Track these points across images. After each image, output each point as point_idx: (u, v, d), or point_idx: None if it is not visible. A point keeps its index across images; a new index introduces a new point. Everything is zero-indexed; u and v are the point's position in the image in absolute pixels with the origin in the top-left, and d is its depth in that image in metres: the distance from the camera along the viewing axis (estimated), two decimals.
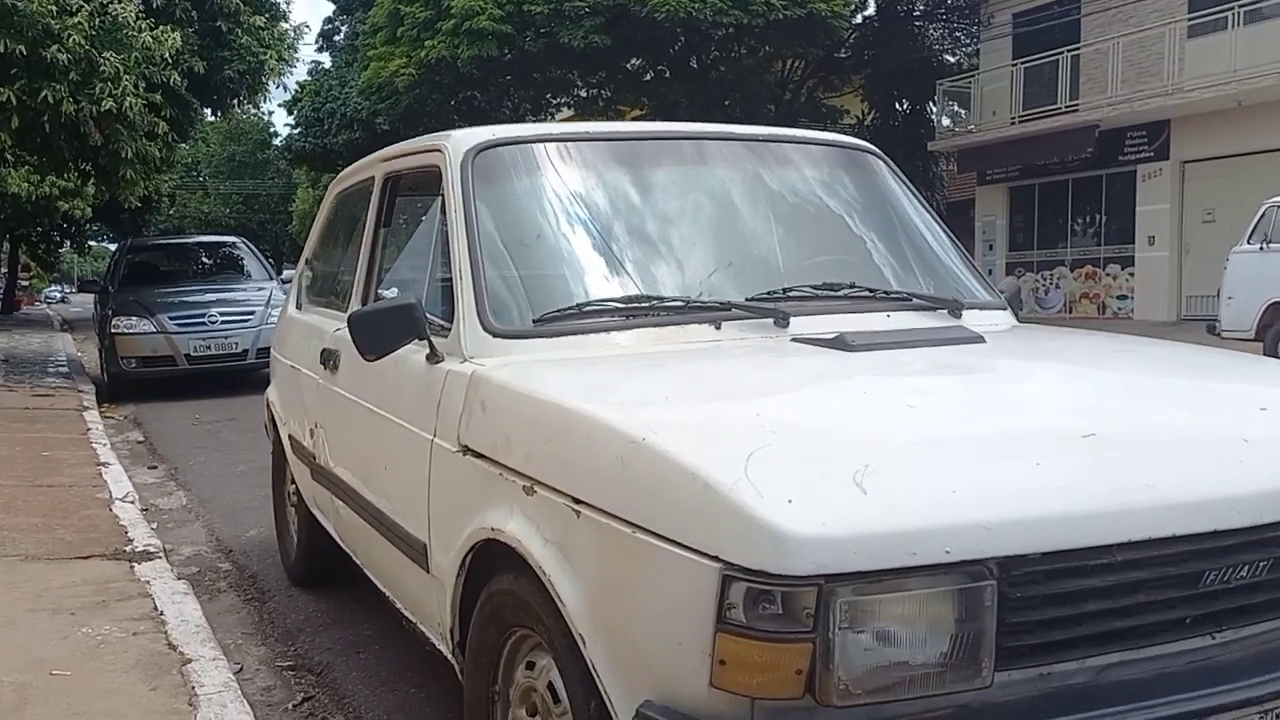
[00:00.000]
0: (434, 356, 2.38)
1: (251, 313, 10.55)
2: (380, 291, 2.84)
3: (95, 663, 2.79)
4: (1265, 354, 11.98)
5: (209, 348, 10.28)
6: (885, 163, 3.10)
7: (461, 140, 2.67)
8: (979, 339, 2.26)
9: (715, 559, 1.45)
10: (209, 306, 10.49)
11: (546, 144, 2.72)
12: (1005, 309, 2.82)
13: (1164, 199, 18.94)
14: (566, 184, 2.66)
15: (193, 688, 2.60)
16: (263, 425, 4.54)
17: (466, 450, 2.15)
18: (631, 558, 1.60)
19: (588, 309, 2.37)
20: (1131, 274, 19.76)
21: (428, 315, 2.43)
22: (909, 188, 3.07)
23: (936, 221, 3.01)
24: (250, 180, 53.55)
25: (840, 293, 2.58)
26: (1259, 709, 1.58)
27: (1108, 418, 1.73)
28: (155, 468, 6.82)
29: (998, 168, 22.03)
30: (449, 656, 2.32)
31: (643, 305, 2.39)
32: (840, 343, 2.16)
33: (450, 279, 2.48)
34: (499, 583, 2.02)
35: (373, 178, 3.32)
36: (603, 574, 1.67)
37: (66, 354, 14.76)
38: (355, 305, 3.16)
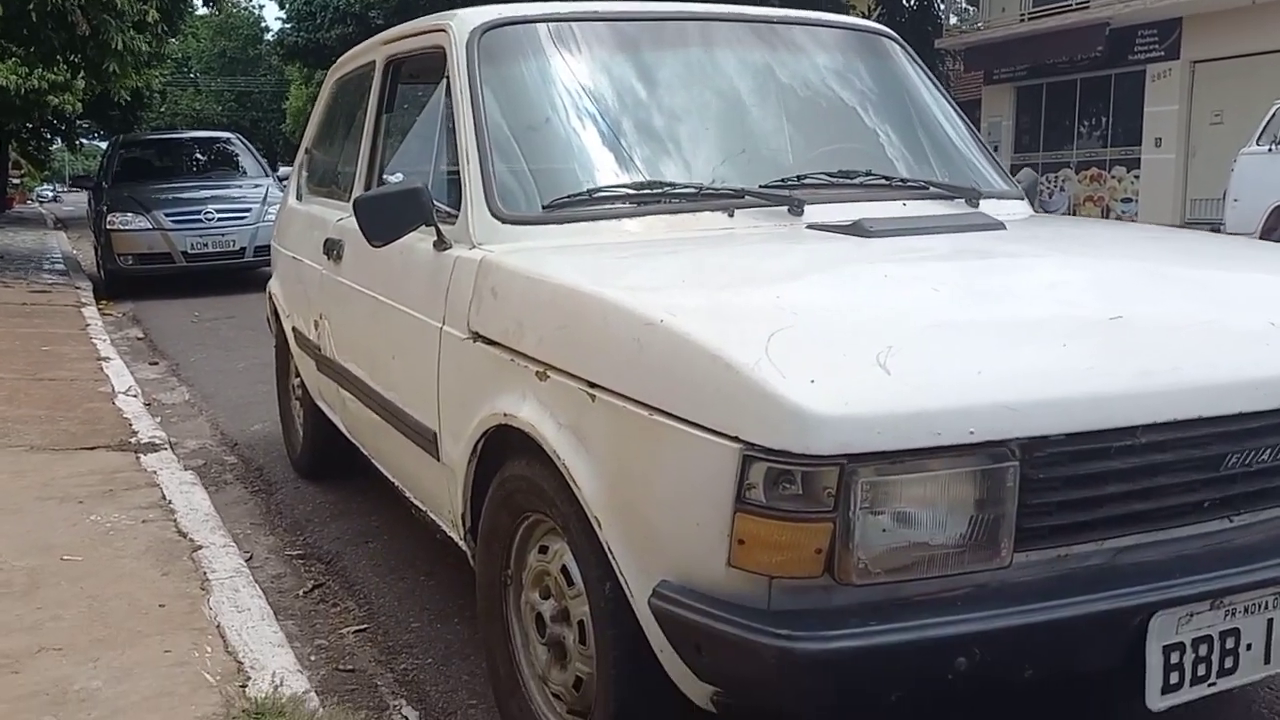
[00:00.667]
0: (441, 243, 2.34)
1: (248, 210, 10.42)
2: (385, 177, 2.77)
3: (105, 549, 2.80)
4: None
5: (206, 245, 10.18)
6: (901, 47, 3.01)
7: (467, 20, 2.58)
8: (999, 225, 2.22)
9: (735, 439, 1.43)
10: (205, 203, 10.36)
11: (556, 24, 2.62)
12: (1022, 199, 2.77)
13: (1173, 100, 18.64)
14: (576, 67, 2.58)
15: (204, 573, 2.61)
16: (264, 321, 4.51)
17: (476, 337, 2.12)
18: (649, 440, 1.58)
19: (599, 195, 2.32)
20: (1137, 177, 19.55)
21: (434, 201, 2.38)
22: (926, 73, 2.99)
23: (954, 108, 2.94)
24: (242, 77, 52.61)
25: (856, 180, 2.52)
26: (1274, 590, 1.59)
27: (1134, 302, 1.70)
28: (156, 364, 6.81)
29: (1005, 67, 21.62)
30: (460, 543, 2.33)
31: (655, 192, 2.34)
32: (858, 229, 2.11)
33: (457, 166, 2.42)
34: (511, 468, 2.01)
35: (373, 62, 3.23)
36: (619, 457, 1.66)
37: (62, 251, 14.65)
38: (359, 191, 3.10)
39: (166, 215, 10.12)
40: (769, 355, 1.45)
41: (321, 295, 3.30)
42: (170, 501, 3.18)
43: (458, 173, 2.41)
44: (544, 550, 1.99)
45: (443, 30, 2.63)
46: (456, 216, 2.35)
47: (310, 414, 3.78)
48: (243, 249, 10.30)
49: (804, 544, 1.41)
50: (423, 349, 2.38)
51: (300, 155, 4.10)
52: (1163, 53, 18.64)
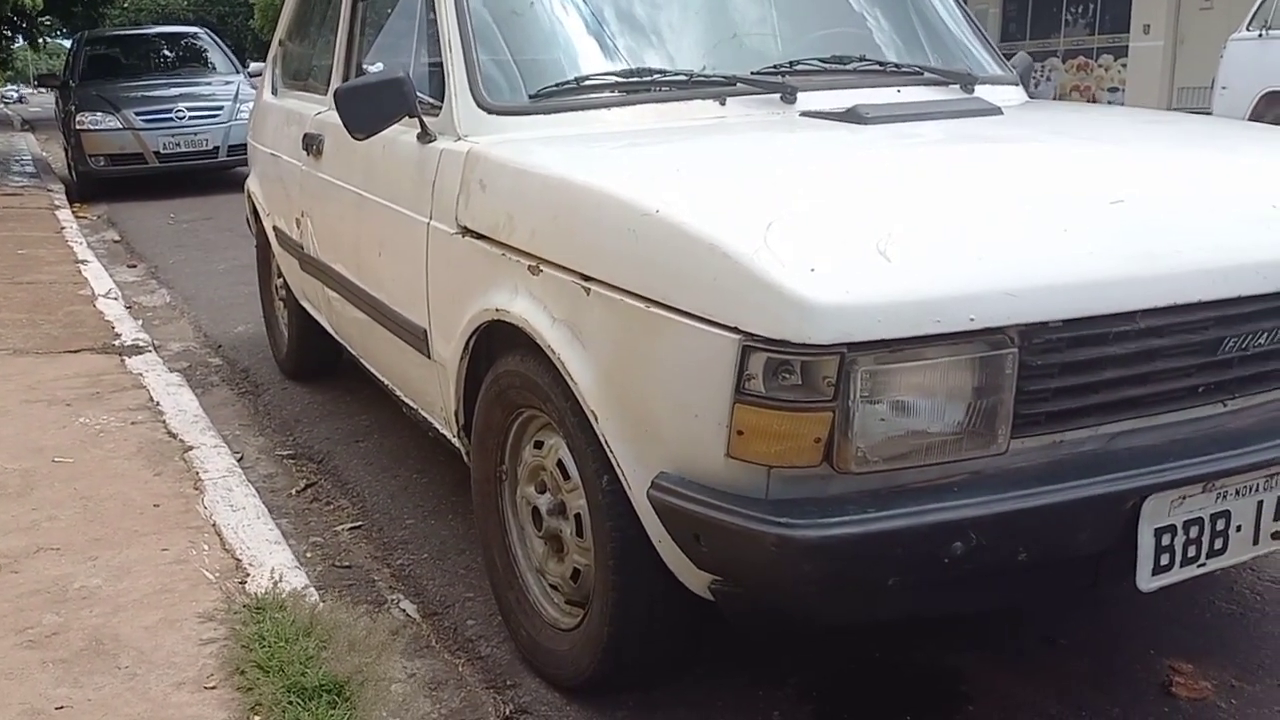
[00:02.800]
0: (425, 136, 2.28)
1: (220, 108, 10.18)
2: (365, 68, 2.69)
3: (96, 450, 2.79)
4: None
5: (179, 145, 9.96)
6: None
7: None
8: (996, 110, 2.18)
9: (734, 330, 1.42)
10: (176, 101, 10.10)
11: None
12: (1018, 84, 2.72)
13: None
14: None
15: (197, 473, 2.61)
16: (243, 222, 4.44)
17: (465, 231, 2.08)
18: (645, 332, 1.57)
19: (586, 84, 2.25)
20: (1124, 65, 19.29)
21: (417, 93, 2.32)
22: None
23: None
24: None
25: (849, 66, 2.46)
26: (1265, 473, 1.60)
27: (1134, 186, 1.68)
28: (135, 266, 6.72)
29: None
30: (453, 440, 2.33)
31: (644, 80, 2.28)
32: (853, 116, 2.07)
33: (439, 55, 2.35)
34: (504, 364, 1.99)
35: None
36: (615, 350, 1.65)
37: (31, 153, 14.33)
38: (337, 83, 3.01)
39: (137, 114, 9.87)
40: (768, 244, 1.43)
41: (302, 193, 3.23)
42: (158, 403, 3.17)
43: (440, 63, 2.34)
44: (539, 445, 1.99)
45: None
46: (440, 108, 2.29)
47: (295, 315, 3.75)
48: (216, 148, 10.09)
49: (803, 434, 1.41)
50: (410, 245, 2.34)
51: (274, 48, 3.98)
52: None
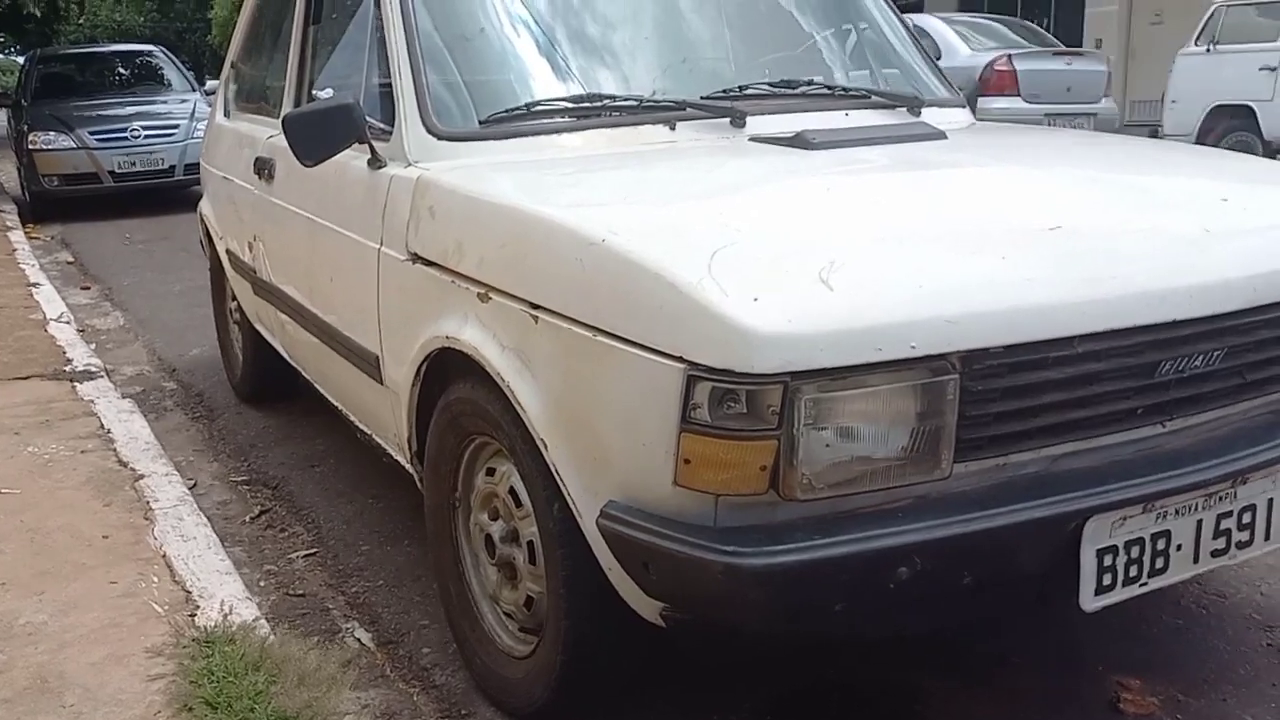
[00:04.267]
0: (376, 161, 2.28)
1: (176, 126, 10.07)
2: (315, 93, 2.68)
3: (45, 480, 2.75)
4: None
5: (134, 164, 9.84)
6: None
7: None
8: (940, 135, 2.20)
9: (680, 359, 1.42)
10: (130, 120, 9.98)
11: None
12: (964, 106, 2.76)
13: (1113, 1, 18.61)
14: None
15: (147, 503, 2.58)
16: (198, 243, 4.39)
17: (416, 258, 2.08)
18: (593, 361, 1.57)
19: (537, 109, 2.26)
20: None
21: (367, 118, 2.31)
22: None
23: (895, 14, 2.90)
24: None
25: (798, 90, 2.49)
26: (1203, 493, 1.63)
27: (1072, 211, 1.71)
28: (88, 288, 6.63)
29: None
30: (407, 466, 2.32)
31: (594, 105, 2.29)
32: (800, 141, 2.09)
33: (389, 76, 2.35)
34: (455, 391, 1.99)
35: None
36: (563, 379, 1.65)
37: None
38: (288, 108, 3.00)
39: (91, 134, 9.75)
40: (712, 273, 1.44)
41: (255, 216, 3.21)
42: (109, 431, 3.13)
43: (391, 86, 2.33)
44: (491, 473, 1.99)
45: None
46: (390, 133, 2.29)
47: (249, 338, 3.71)
48: (172, 167, 9.97)
49: (749, 462, 1.42)
50: (361, 271, 2.33)
51: (226, 69, 3.95)
52: None
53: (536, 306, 1.70)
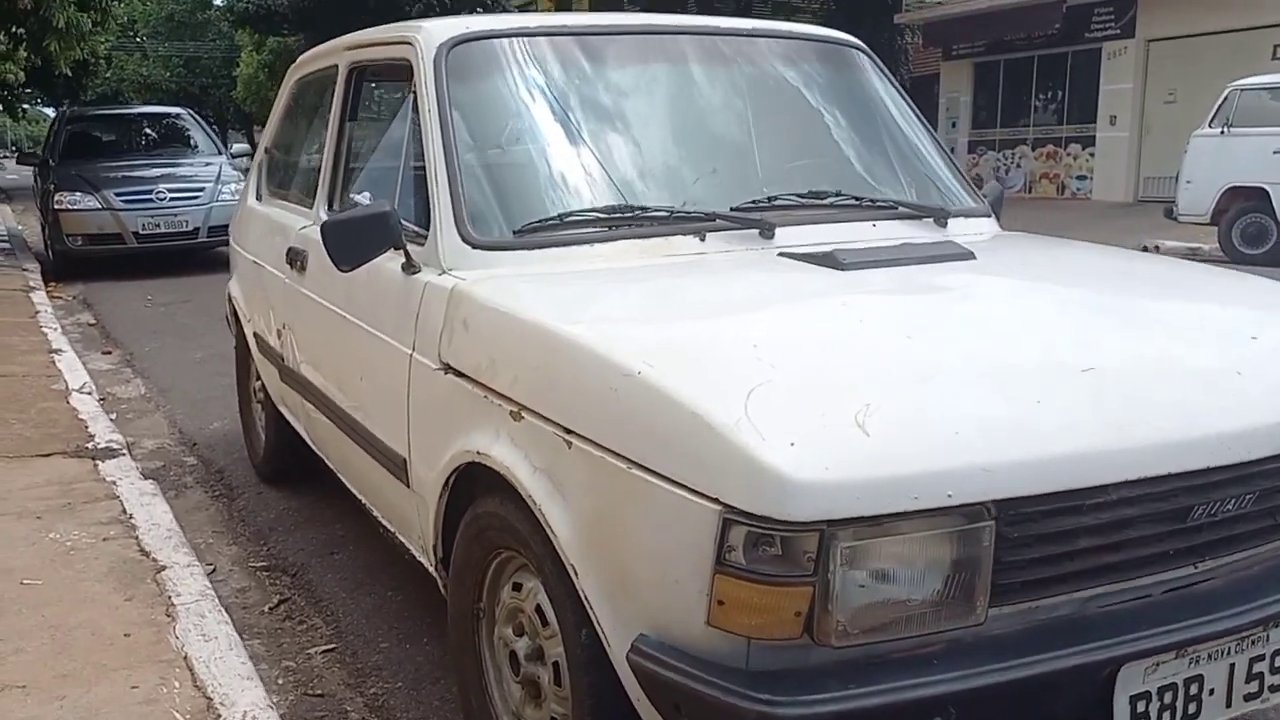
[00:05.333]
0: (410, 266, 2.31)
1: (201, 189, 10.24)
2: (352, 196, 2.73)
3: (67, 571, 2.75)
4: (1220, 237, 12.12)
5: (158, 225, 9.99)
6: (869, 57, 3.01)
7: (434, 34, 2.54)
8: (969, 255, 2.22)
9: (715, 501, 1.43)
10: (156, 182, 10.16)
11: (524, 38, 2.58)
12: (989, 215, 2.78)
13: (1127, 78, 18.83)
14: (544, 83, 2.55)
15: (169, 597, 2.58)
16: (221, 306, 4.43)
17: (448, 369, 2.10)
18: (626, 493, 1.58)
19: (570, 219, 2.29)
20: (1092, 154, 19.77)
21: (402, 221, 2.35)
22: (893, 83, 2.99)
23: (920, 121, 2.94)
24: (191, 42, 51.40)
25: (826, 201, 2.52)
26: (1237, 637, 1.62)
27: (1106, 348, 1.72)
28: (109, 353, 6.70)
29: (963, 43, 21.71)
30: (431, 571, 2.32)
31: (626, 216, 2.32)
32: (830, 260, 2.11)
33: (424, 180, 2.39)
34: (484, 504, 2.00)
35: (336, 66, 3.17)
36: (596, 506, 1.65)
37: (7, 227, 14.33)
38: (322, 205, 3.05)
39: (117, 195, 9.92)
40: (748, 415, 1.45)
41: (285, 305, 3.25)
42: (131, 516, 3.14)
43: (426, 189, 2.37)
44: (518, 588, 1.98)
45: (409, 44, 2.59)
46: (425, 237, 2.32)
47: (272, 419, 3.73)
48: (196, 229, 10.13)
49: (784, 607, 1.41)
50: (393, 374, 2.35)
51: (260, 154, 4.02)
52: (1118, 31, 18.82)
53: (570, 431, 1.71)
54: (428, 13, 35.14)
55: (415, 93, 2.49)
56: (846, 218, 2.49)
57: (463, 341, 2.06)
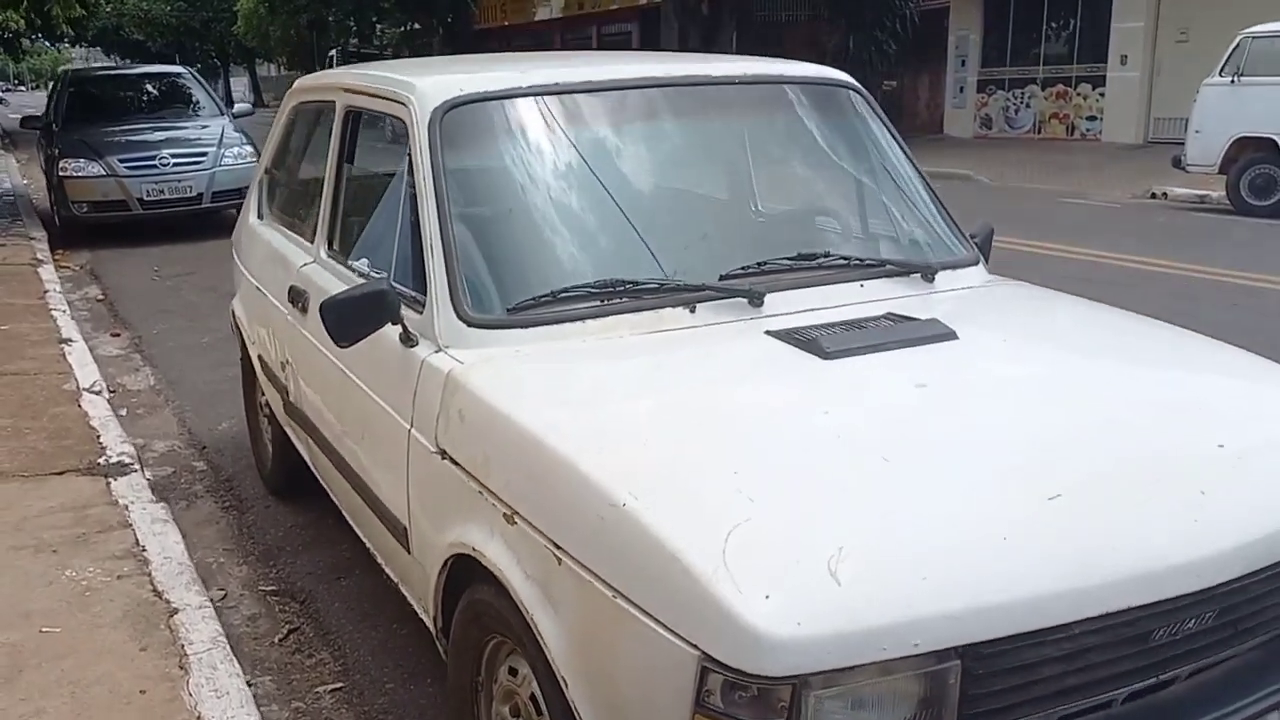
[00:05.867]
0: (408, 339, 2.37)
1: (204, 154, 10.26)
2: (350, 264, 2.76)
3: (83, 615, 2.86)
4: (1228, 187, 12.05)
5: (162, 192, 10.03)
6: (863, 96, 3.01)
7: (428, 97, 2.56)
8: (951, 335, 2.26)
9: (694, 648, 1.51)
10: (159, 147, 10.17)
11: (515, 99, 2.61)
12: (977, 262, 2.82)
13: (1139, 16, 18.53)
14: (537, 149, 2.59)
15: (182, 645, 2.69)
16: (226, 279, 4.42)
17: (445, 454, 2.17)
18: (612, 620, 1.66)
19: (562, 295, 2.34)
20: (1102, 94, 19.53)
21: (398, 287, 2.41)
22: (885, 123, 3.00)
23: (910, 162, 2.96)
24: None
25: (815, 263, 2.57)
26: None
27: (1075, 467, 1.78)
28: (118, 335, 6.78)
29: None
30: (433, 635, 2.41)
31: (617, 290, 2.36)
32: (815, 347, 2.16)
33: (420, 246, 2.43)
34: (480, 592, 2.08)
35: (334, 104, 3.19)
36: (585, 625, 1.73)
37: (13, 185, 14.33)
38: (322, 244, 3.10)
39: (120, 161, 9.93)
40: (726, 562, 1.52)
41: (288, 342, 3.31)
42: (144, 549, 3.24)
43: (422, 257, 2.41)
44: (513, 672, 2.08)
45: (403, 104, 2.62)
46: (422, 303, 2.38)
47: (279, 437, 3.82)
48: (200, 194, 10.17)
49: None
50: (392, 443, 2.42)
51: (259, 172, 4.05)
52: None
53: (560, 548, 1.78)
54: None
55: (410, 156, 2.53)
56: (835, 279, 2.53)
57: (459, 432, 2.13)
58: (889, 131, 2.99)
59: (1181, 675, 1.76)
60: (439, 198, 2.40)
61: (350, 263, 2.75)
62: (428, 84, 2.64)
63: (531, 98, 2.62)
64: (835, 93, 3.00)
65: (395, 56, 45.45)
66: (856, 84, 3.05)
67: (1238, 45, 12.02)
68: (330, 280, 2.87)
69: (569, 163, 2.58)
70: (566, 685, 1.76)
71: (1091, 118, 19.88)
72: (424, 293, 2.39)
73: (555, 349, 2.25)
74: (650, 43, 28.01)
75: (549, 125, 2.60)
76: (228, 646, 2.74)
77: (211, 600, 3.07)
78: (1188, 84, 12.63)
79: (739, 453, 1.81)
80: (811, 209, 2.84)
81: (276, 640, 3.08)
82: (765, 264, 2.52)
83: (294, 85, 3.78)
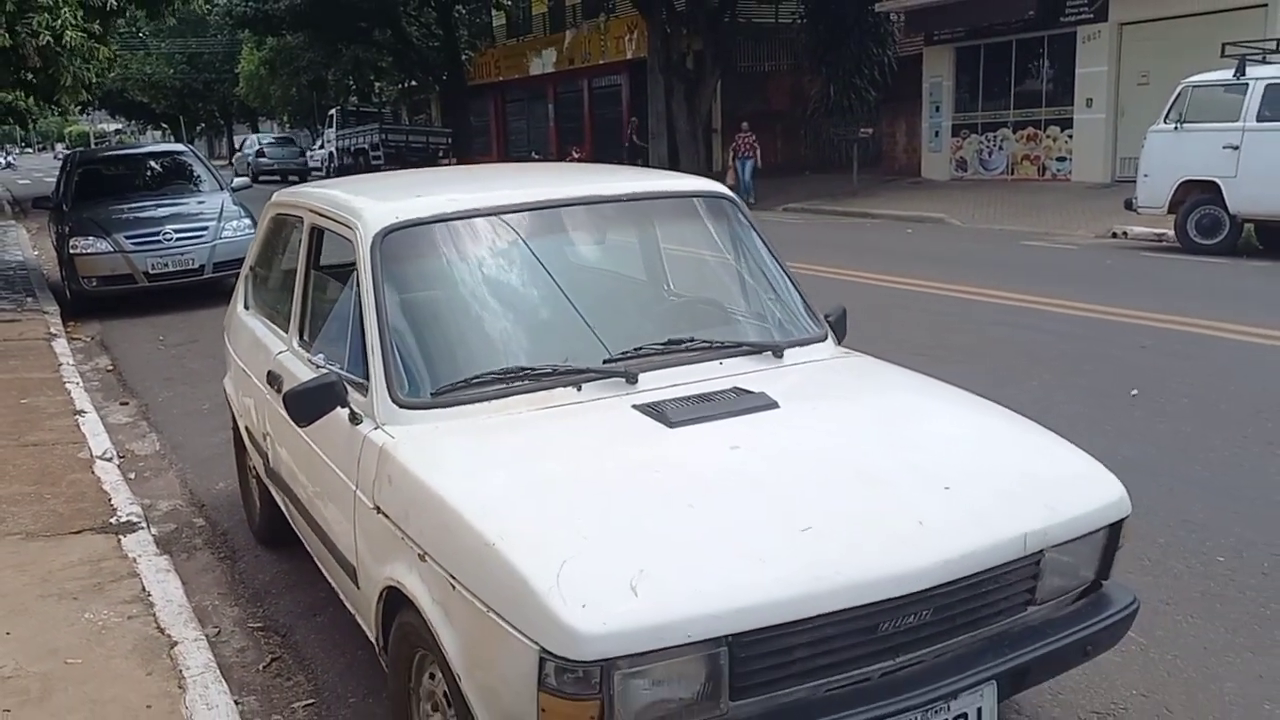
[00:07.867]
0: (354, 418, 3.01)
1: (205, 228, 10.98)
2: (310, 359, 3.41)
3: (100, 649, 3.49)
4: (1176, 228, 12.72)
5: (166, 265, 10.74)
6: (735, 204, 3.68)
7: (370, 223, 3.22)
8: (774, 405, 2.90)
9: (536, 644, 2.14)
10: (163, 223, 10.89)
11: (442, 224, 3.27)
12: (825, 339, 3.46)
13: (1102, 61, 19.33)
14: (459, 261, 3.26)
15: (180, 670, 3.31)
16: (222, 350, 5.05)
17: (379, 509, 2.81)
18: (488, 630, 2.28)
19: (475, 380, 2.98)
20: (1070, 136, 20.30)
21: (348, 375, 3.05)
22: (754, 227, 3.66)
23: (773, 256, 3.61)
24: (193, 38, 52.03)
25: (682, 347, 3.21)
26: (920, 710, 2.33)
27: (829, 508, 2.41)
28: (126, 404, 7.43)
29: (944, 28, 22.19)
30: (378, 653, 3.03)
31: (519, 374, 3.01)
32: (664, 417, 2.79)
33: (366, 342, 3.08)
34: (405, 615, 2.71)
35: (303, 220, 3.86)
36: (471, 634, 2.36)
37: (24, 257, 15.07)
38: (294, 335, 3.76)
39: (127, 238, 10.66)
40: (559, 584, 2.16)
41: (268, 419, 3.96)
42: (149, 594, 3.87)
43: (366, 349, 3.06)
44: (433, 676, 2.70)
45: (350, 228, 3.28)
46: (367, 388, 3.02)
47: (265, 496, 4.45)
48: (201, 266, 10.87)
49: (583, 714, 2.12)
50: (342, 502, 3.06)
51: (246, 269, 4.72)
52: (1092, 14, 19.33)
53: (454, 577, 2.41)
54: (420, 12, 35.55)
55: (357, 271, 3.19)
56: (698, 359, 3.18)
57: (388, 493, 2.77)
58: (755, 232, 3.65)
59: (923, 659, 2.39)
60: (378, 305, 3.06)
61: (310, 356, 3.40)
62: (371, 212, 3.30)
63: (456, 220, 3.28)
64: (713, 201, 3.67)
65: (394, 113, 46.73)
66: (730, 194, 3.72)
67: (1180, 93, 12.75)
68: (300, 367, 3.52)
69: (485, 272, 3.25)
70: (459, 680, 2.39)
71: (1061, 158, 20.64)
72: (368, 378, 3.03)
73: (467, 425, 2.89)
74: (639, 94, 28.96)
75: (471, 240, 3.27)
76: (218, 671, 3.36)
77: (206, 636, 3.69)
78: (1150, 125, 13.34)
79: (585, 504, 2.45)
80: (688, 300, 3.50)
81: (261, 667, 3.70)
82: (641, 349, 3.17)
83: (272, 199, 4.45)
